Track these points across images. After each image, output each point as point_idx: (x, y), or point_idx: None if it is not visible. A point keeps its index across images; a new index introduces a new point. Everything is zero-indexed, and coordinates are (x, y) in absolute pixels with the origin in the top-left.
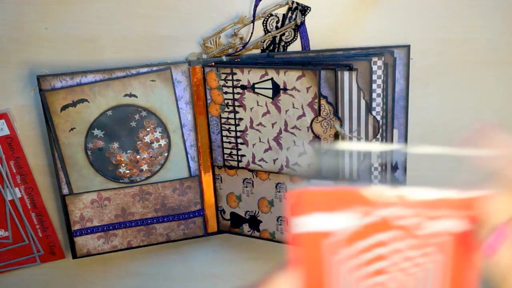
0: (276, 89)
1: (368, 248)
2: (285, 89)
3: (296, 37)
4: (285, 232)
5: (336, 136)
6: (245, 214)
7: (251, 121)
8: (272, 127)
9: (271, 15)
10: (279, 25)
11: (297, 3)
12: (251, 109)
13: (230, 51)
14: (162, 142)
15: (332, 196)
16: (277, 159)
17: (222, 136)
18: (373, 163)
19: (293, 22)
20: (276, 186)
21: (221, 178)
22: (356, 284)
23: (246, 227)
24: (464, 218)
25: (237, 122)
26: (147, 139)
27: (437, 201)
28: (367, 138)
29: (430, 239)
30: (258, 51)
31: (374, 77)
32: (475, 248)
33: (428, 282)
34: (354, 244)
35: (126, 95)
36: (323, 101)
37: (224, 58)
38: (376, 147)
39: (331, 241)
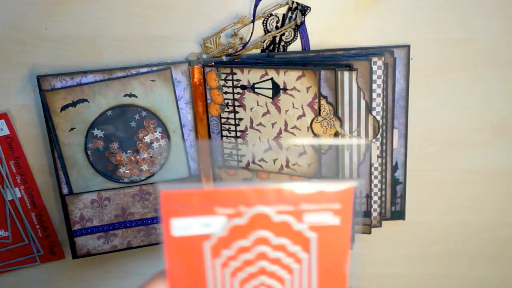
0: (276, 89)
1: (248, 248)
2: (285, 89)
3: (296, 37)
4: (160, 237)
5: (336, 136)
6: None
7: (251, 121)
8: (272, 127)
9: (271, 15)
10: (279, 25)
11: (297, 3)
12: (251, 109)
13: (230, 51)
14: (162, 142)
15: (208, 196)
16: (277, 159)
17: (222, 136)
18: (373, 163)
19: (293, 22)
20: None
21: (221, 178)
22: (241, 286)
23: None
24: (334, 212)
25: (237, 122)
26: (147, 139)
27: (313, 194)
28: (367, 138)
29: (307, 233)
30: (258, 51)
31: (374, 77)
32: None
33: (310, 277)
34: (235, 244)
35: (126, 95)
36: (323, 101)
37: (224, 58)
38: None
39: (211, 243)
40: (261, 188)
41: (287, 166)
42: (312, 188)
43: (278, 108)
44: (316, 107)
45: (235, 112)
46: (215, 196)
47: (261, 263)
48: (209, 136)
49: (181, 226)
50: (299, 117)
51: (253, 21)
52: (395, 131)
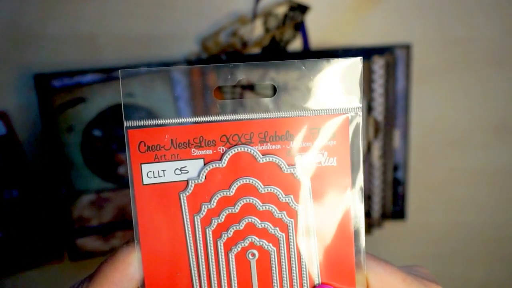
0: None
1: (232, 199)
2: (285, 89)
3: (296, 37)
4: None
5: None
6: None
7: None
8: None
9: (271, 14)
10: (279, 24)
11: (297, 2)
12: (251, 109)
13: (230, 50)
14: None
15: (182, 134)
16: None
17: None
18: (374, 163)
19: (293, 21)
20: None
21: None
22: (226, 249)
23: None
24: (329, 151)
25: None
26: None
27: (302, 131)
28: (367, 138)
29: (300, 177)
30: (258, 50)
31: (375, 76)
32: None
33: (308, 232)
34: (215, 195)
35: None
36: None
37: (223, 58)
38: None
39: (188, 193)
40: (242, 121)
41: None
42: (301, 124)
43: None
44: None
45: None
46: (189, 133)
47: (248, 219)
48: None
49: (152, 173)
50: None
51: (253, 20)
52: (396, 131)
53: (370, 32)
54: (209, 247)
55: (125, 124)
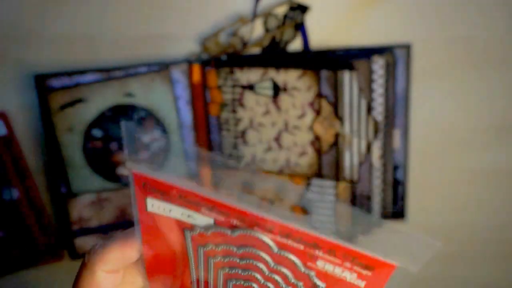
0: (276, 89)
1: (237, 255)
2: (285, 89)
3: (296, 37)
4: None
5: (336, 136)
6: None
7: (251, 121)
8: (272, 127)
9: (271, 14)
10: (279, 24)
11: (297, 2)
12: (251, 109)
13: (230, 50)
14: (161, 142)
15: (193, 197)
16: (277, 159)
17: (221, 136)
18: (374, 163)
19: (293, 21)
20: None
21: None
22: (224, 279)
23: None
24: (354, 272)
25: (237, 122)
26: (146, 139)
27: (336, 246)
28: (367, 138)
29: (315, 280)
30: (258, 50)
31: (375, 76)
32: None
33: None
34: (221, 245)
35: (124, 94)
36: (323, 101)
37: (223, 58)
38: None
39: (193, 234)
40: (264, 217)
41: (287, 166)
42: (345, 245)
43: (278, 108)
44: (316, 107)
45: (235, 112)
46: (202, 199)
47: (252, 273)
48: (209, 136)
49: (158, 207)
50: (299, 117)
51: (253, 20)
52: (397, 131)
53: (370, 32)
54: (210, 274)
55: (128, 165)
